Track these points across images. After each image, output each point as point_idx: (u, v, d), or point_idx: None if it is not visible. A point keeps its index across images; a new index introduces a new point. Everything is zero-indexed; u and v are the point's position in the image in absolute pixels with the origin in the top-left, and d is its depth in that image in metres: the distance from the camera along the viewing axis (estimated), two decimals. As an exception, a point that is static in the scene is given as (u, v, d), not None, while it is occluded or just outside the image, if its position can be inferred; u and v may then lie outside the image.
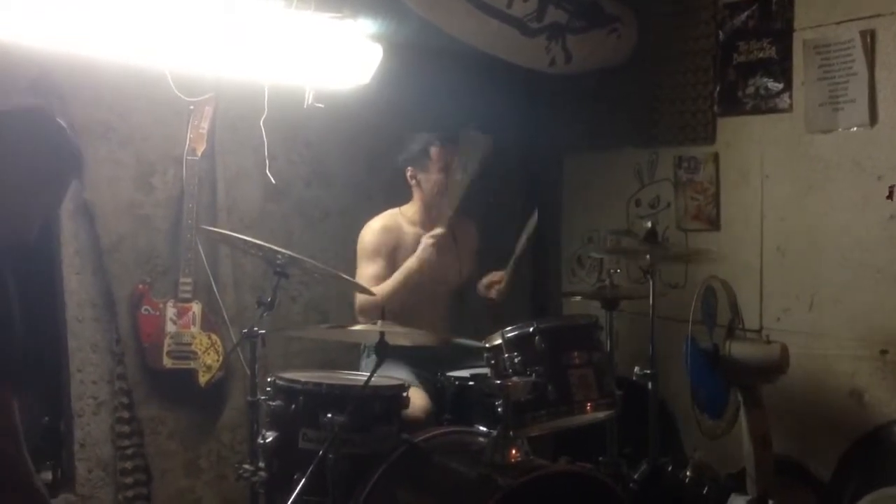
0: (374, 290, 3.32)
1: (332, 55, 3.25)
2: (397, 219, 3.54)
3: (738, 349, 3.08)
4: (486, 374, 2.89)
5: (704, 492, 3.16)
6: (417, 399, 3.06)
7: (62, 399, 3.42)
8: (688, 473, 3.23)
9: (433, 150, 3.47)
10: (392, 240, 3.48)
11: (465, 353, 3.39)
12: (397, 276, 3.40)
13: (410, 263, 3.40)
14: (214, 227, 3.49)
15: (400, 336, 2.78)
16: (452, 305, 3.65)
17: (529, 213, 3.56)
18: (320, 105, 3.32)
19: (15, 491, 1.34)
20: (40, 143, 1.53)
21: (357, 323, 3.28)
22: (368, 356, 3.41)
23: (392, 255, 3.47)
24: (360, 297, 3.39)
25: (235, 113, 3.58)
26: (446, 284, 3.61)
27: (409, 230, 3.52)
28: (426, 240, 3.40)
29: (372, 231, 3.49)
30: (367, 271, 3.41)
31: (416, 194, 3.55)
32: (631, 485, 3.15)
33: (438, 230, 3.42)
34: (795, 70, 3.41)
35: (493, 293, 3.57)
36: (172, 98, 3.33)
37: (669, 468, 3.25)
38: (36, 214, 1.53)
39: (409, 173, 3.53)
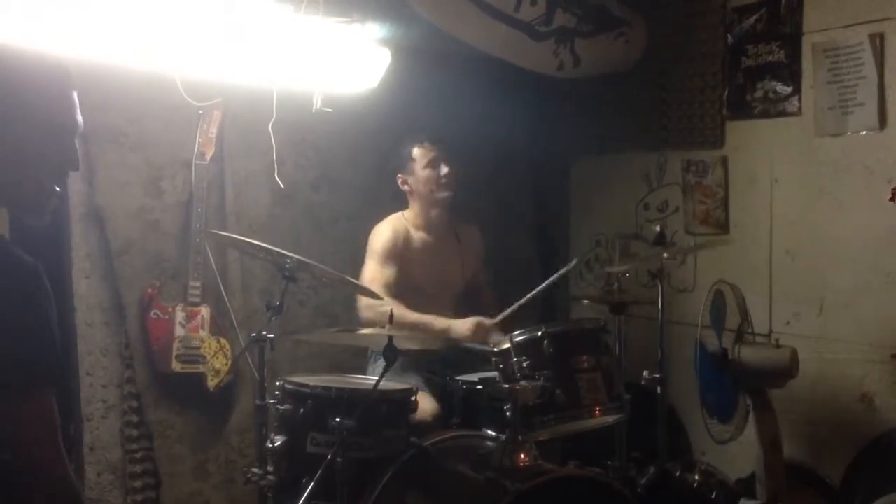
0: (388, 308, 3.27)
1: (341, 59, 3.26)
2: (402, 223, 3.56)
3: (748, 353, 3.08)
4: (494, 379, 2.89)
5: (713, 497, 3.15)
6: (425, 403, 3.06)
7: (72, 403, 3.43)
8: (696, 478, 3.22)
9: (416, 150, 3.51)
10: (402, 243, 3.49)
11: (473, 355, 3.39)
12: (417, 318, 3.27)
13: (443, 327, 3.30)
14: (223, 231, 3.50)
15: (408, 340, 2.78)
16: (457, 307, 3.65)
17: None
18: (329, 109, 3.32)
19: (52, 489, 1.38)
20: (48, 89, 1.53)
21: (360, 319, 3.34)
22: (376, 361, 3.41)
23: (401, 258, 3.47)
24: (363, 300, 3.38)
25: (244, 117, 3.59)
26: (451, 287, 3.62)
27: (415, 234, 3.55)
28: (474, 323, 3.30)
29: (382, 234, 3.49)
30: (377, 273, 3.39)
31: (412, 199, 3.57)
32: (639, 489, 3.14)
33: (488, 324, 3.32)
34: (804, 74, 3.41)
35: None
36: (182, 103, 3.34)
37: (678, 473, 3.24)
38: (40, 175, 1.53)
39: (399, 180, 3.56)
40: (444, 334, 3.30)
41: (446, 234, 3.63)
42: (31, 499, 1.35)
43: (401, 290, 3.42)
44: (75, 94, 1.55)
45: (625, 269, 3.53)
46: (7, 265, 1.39)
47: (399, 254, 3.47)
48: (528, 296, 3.40)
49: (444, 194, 3.53)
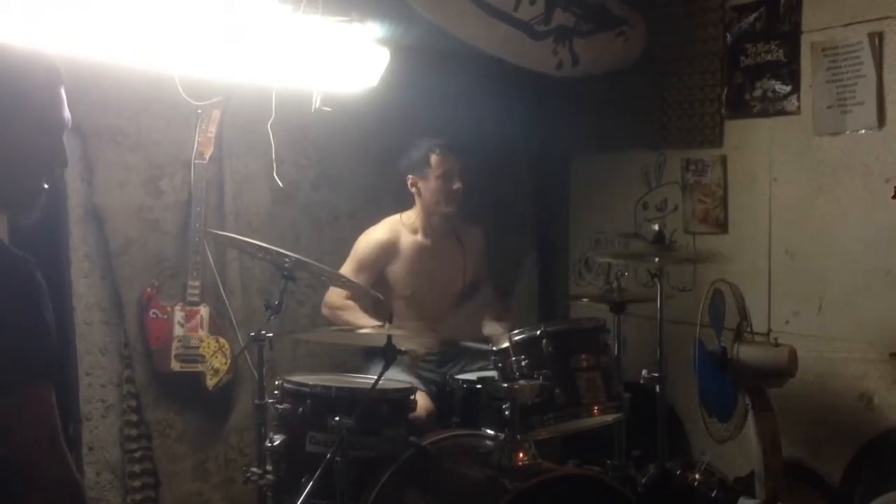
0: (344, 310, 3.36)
1: (340, 59, 3.26)
2: (397, 227, 3.53)
3: (747, 352, 3.07)
4: (493, 378, 2.89)
5: (713, 495, 3.15)
6: (420, 401, 3.07)
7: (71, 402, 3.43)
8: (696, 477, 3.22)
9: (433, 158, 3.47)
10: (387, 254, 3.48)
11: (470, 354, 3.40)
12: (355, 319, 3.29)
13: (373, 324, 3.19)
14: (222, 230, 3.50)
15: (407, 340, 2.78)
16: (457, 308, 3.65)
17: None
18: (328, 108, 3.32)
19: (52, 487, 1.37)
20: (39, 82, 1.53)
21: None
22: (372, 360, 3.39)
23: (382, 267, 3.47)
24: (332, 292, 3.42)
25: (243, 117, 3.59)
26: (452, 289, 3.61)
27: (408, 238, 3.53)
28: (414, 352, 3.26)
29: (369, 243, 3.48)
30: (348, 275, 3.39)
31: (417, 202, 3.54)
32: (639, 489, 3.14)
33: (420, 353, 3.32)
34: (803, 72, 3.40)
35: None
36: (181, 102, 3.34)
37: (678, 472, 3.24)
38: (37, 170, 1.54)
39: (409, 181, 3.52)
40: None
41: (447, 239, 3.61)
42: (32, 497, 1.34)
43: (391, 295, 3.44)
44: (63, 90, 1.54)
45: (621, 262, 3.54)
46: None
47: (380, 263, 3.47)
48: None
49: (449, 209, 3.51)
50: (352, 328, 3.17)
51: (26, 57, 1.53)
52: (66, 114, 1.55)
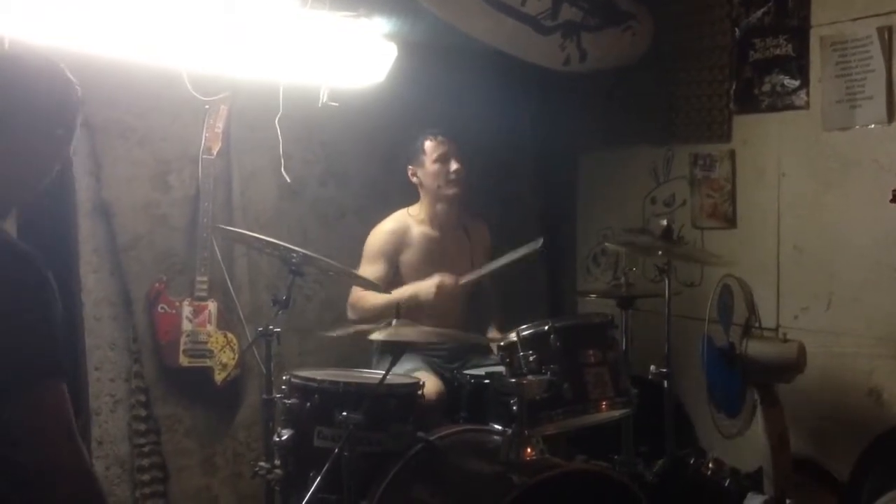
0: (373, 296, 3.36)
1: (347, 54, 3.26)
2: (405, 219, 3.56)
3: (755, 348, 3.07)
4: (501, 373, 2.89)
5: (726, 484, 3.14)
6: (430, 384, 3.07)
7: (80, 397, 3.44)
8: (710, 466, 3.21)
9: (427, 144, 3.51)
10: (398, 242, 3.50)
11: (478, 350, 3.40)
12: (386, 299, 3.33)
13: (411, 293, 3.34)
14: (230, 226, 3.50)
15: (413, 335, 2.78)
16: (466, 303, 3.65)
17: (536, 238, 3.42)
18: (335, 104, 3.33)
19: (69, 478, 1.38)
20: (48, 90, 1.53)
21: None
22: (381, 355, 3.40)
23: (396, 257, 3.49)
24: (353, 292, 3.43)
25: (251, 112, 3.59)
26: None
27: (417, 230, 3.54)
28: (437, 282, 3.35)
29: (378, 234, 3.51)
30: (366, 272, 3.41)
31: (421, 192, 3.57)
32: (651, 478, 3.13)
33: (450, 281, 3.37)
34: (812, 67, 3.39)
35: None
36: (189, 98, 3.35)
37: (691, 461, 3.24)
38: (41, 170, 1.54)
39: (409, 172, 3.55)
40: (414, 300, 3.31)
41: (454, 230, 3.62)
42: (54, 494, 1.34)
43: (398, 286, 3.44)
44: (75, 99, 1.54)
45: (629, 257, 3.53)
46: (4, 259, 1.39)
47: (393, 252, 3.49)
48: (494, 265, 3.43)
49: (451, 191, 3.51)
50: (377, 311, 3.25)
51: (37, 66, 1.52)
52: (76, 124, 1.55)
